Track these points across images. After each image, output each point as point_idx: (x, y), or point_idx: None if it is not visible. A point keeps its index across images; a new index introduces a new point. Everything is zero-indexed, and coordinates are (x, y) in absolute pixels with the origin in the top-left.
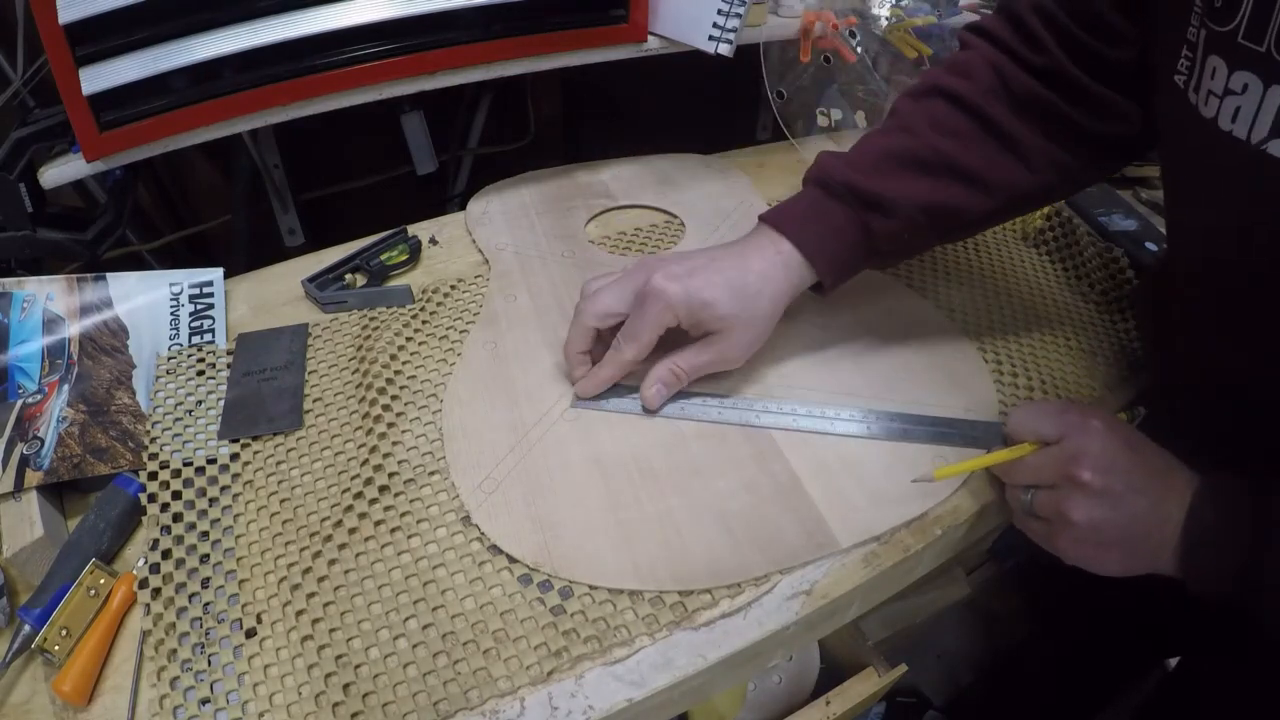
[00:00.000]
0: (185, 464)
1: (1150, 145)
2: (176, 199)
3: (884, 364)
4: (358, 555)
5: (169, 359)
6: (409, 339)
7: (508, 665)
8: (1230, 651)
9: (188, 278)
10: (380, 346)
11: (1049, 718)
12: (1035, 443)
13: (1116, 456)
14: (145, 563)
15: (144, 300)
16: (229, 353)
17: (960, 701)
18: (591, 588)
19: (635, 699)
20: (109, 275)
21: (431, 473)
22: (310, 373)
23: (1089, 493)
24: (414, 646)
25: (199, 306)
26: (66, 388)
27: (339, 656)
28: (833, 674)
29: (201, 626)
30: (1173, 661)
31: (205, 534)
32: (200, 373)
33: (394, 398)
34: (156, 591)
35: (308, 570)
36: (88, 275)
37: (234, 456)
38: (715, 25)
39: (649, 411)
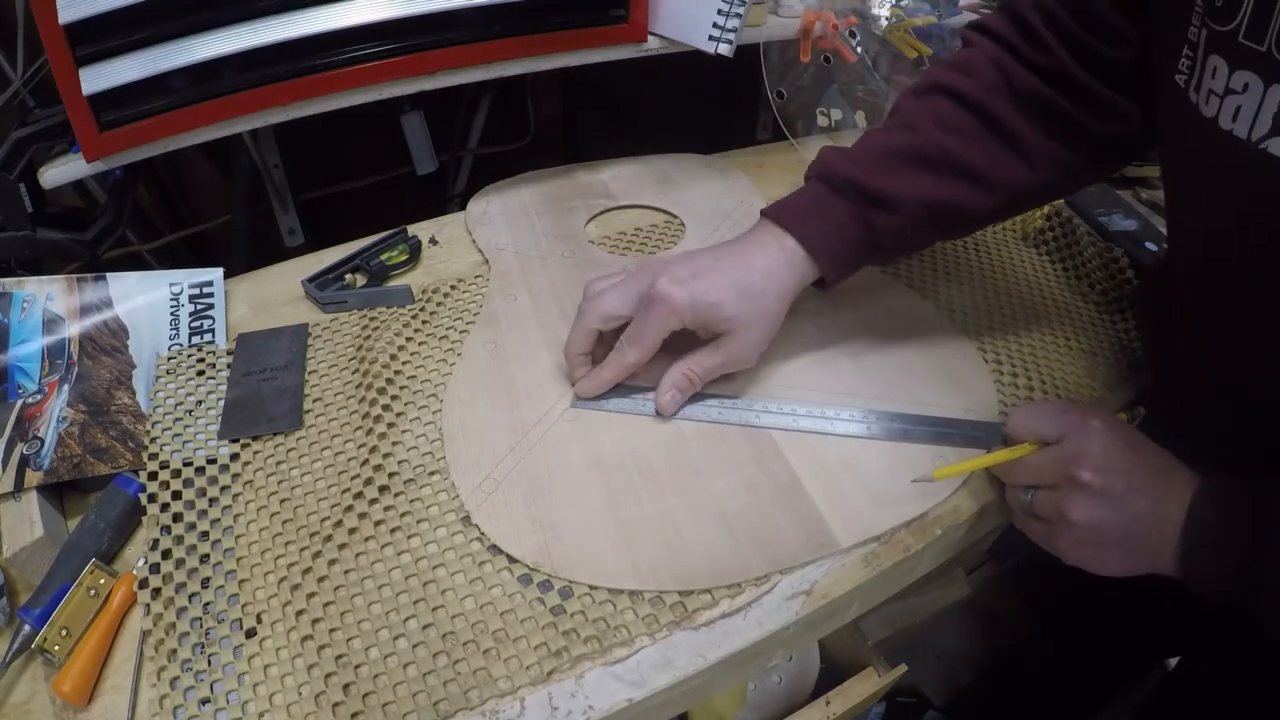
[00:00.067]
0: (185, 464)
1: (1150, 145)
2: (176, 199)
3: (884, 364)
4: (358, 555)
5: (169, 359)
6: (409, 339)
7: (508, 665)
8: (1230, 651)
9: (188, 278)
10: (380, 346)
11: (1049, 718)
12: (1035, 443)
13: (1116, 457)
14: (145, 563)
15: (144, 300)
16: (229, 353)
17: (960, 701)
18: (591, 588)
19: (635, 699)
20: (109, 275)
21: (431, 473)
22: (310, 373)
23: (1089, 493)
24: (414, 646)
25: (199, 306)
26: (66, 388)
27: (339, 656)
28: (833, 674)
29: (201, 626)
30: (1173, 661)
31: (205, 534)
32: (200, 373)
33: (394, 398)
34: (156, 591)
35: (308, 570)
36: (88, 275)
37: (234, 456)
38: (715, 25)
39: (662, 415)
